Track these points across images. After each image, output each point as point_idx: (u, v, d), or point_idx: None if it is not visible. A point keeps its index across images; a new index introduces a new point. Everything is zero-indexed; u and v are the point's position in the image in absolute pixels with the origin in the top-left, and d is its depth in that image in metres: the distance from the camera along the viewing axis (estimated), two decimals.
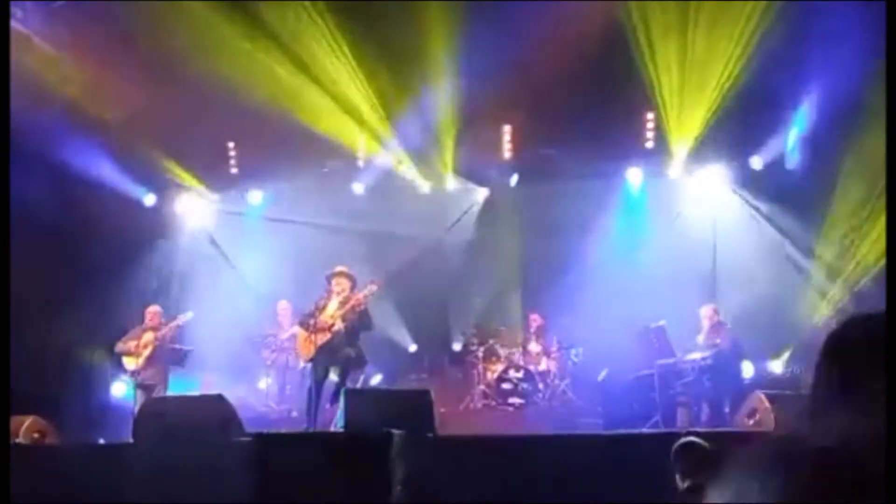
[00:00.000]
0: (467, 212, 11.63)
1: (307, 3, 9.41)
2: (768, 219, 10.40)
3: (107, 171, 10.68)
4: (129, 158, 10.83)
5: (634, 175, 11.12)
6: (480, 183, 11.62)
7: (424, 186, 11.56)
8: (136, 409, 7.87)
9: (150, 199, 11.75)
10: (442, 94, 10.17)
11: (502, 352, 10.25)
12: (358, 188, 11.57)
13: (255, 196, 11.92)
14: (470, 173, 11.52)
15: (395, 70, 10.09)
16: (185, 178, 11.53)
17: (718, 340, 8.63)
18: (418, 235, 11.28)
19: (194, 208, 11.82)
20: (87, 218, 10.39)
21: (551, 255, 10.62)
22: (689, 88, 9.96)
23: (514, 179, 11.46)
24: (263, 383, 10.39)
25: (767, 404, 7.13)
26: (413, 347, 11.14)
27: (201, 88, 9.67)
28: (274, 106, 10.07)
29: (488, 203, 11.60)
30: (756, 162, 10.47)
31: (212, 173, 11.65)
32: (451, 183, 11.49)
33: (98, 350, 9.77)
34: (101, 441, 8.15)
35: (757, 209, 10.52)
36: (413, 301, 11.00)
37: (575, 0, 9.10)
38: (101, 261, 10.60)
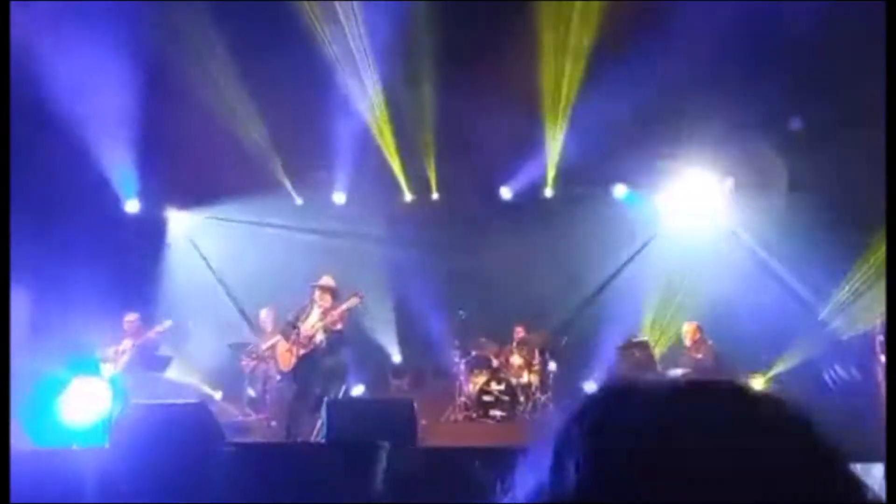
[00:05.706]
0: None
1: None
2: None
3: (91, 176, 10.57)
4: (114, 163, 10.73)
5: (619, 191, 11.21)
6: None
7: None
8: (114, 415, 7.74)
9: (133, 206, 11.64)
10: None
11: (484, 364, 10.21)
12: (339, 198, 11.61)
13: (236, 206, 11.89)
14: None
15: None
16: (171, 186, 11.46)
17: (700, 356, 8.67)
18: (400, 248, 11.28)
19: (177, 215, 11.72)
20: (70, 222, 10.27)
21: (537, 268, 10.63)
22: None
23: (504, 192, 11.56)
24: (243, 392, 10.28)
25: None
26: (396, 358, 11.09)
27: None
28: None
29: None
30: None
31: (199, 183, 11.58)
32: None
33: (76, 356, 9.62)
34: (76, 447, 8.00)
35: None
36: (397, 312, 10.96)
37: None
38: (81, 266, 10.45)
